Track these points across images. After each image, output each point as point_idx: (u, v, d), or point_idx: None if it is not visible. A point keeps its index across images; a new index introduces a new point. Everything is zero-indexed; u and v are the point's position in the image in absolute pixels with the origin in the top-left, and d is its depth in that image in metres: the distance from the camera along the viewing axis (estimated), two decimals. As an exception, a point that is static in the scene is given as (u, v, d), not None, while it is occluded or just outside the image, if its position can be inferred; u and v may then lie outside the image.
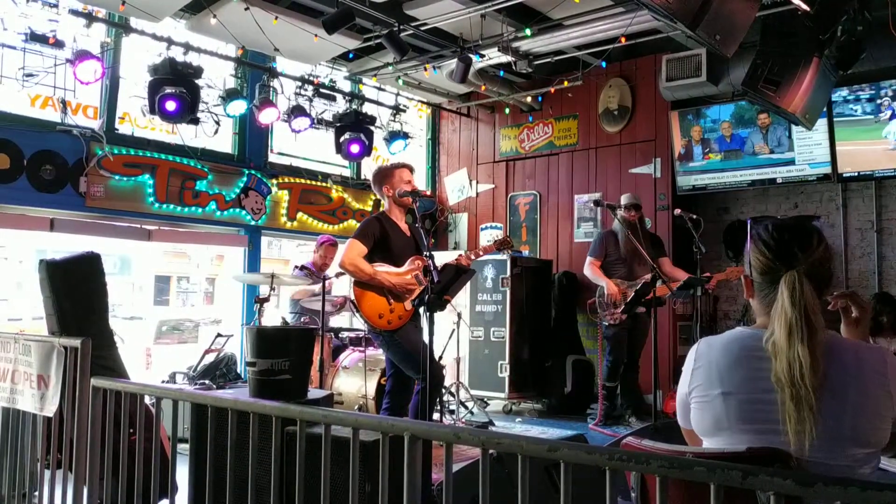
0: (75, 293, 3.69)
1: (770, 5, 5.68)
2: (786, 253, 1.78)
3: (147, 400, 3.09)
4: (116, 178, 6.76)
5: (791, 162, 7.40)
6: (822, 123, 6.84)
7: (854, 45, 5.22)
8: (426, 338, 3.97)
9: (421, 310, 4.23)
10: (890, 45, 5.63)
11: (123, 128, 6.98)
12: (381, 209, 4.86)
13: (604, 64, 7.61)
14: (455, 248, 9.46)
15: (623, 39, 6.81)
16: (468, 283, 7.76)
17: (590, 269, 6.78)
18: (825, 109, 6.58)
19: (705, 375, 1.81)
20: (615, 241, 6.74)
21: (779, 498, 1.40)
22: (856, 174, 7.10)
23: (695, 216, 6.08)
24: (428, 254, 3.99)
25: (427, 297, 3.71)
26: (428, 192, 9.80)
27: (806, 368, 1.64)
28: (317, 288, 6.31)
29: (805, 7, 5.01)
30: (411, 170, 4.87)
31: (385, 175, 4.77)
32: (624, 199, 6.75)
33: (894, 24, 5.11)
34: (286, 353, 3.08)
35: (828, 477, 1.37)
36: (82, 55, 5.92)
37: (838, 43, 5.16)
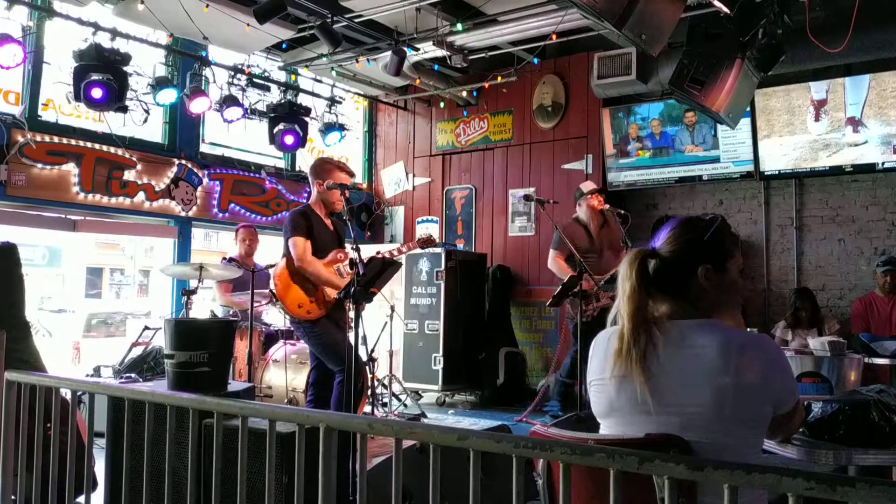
0: (-11, 284, 3.58)
1: (695, 6, 5.84)
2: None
3: (64, 394, 3.02)
4: (39, 166, 6.56)
5: (716, 160, 7.62)
6: (745, 122, 7.08)
7: (774, 47, 5.40)
8: (352, 329, 3.99)
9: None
10: (808, 48, 5.85)
11: (47, 114, 6.76)
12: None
13: (536, 60, 7.69)
14: (391, 242, 9.46)
15: (554, 36, 6.90)
16: (402, 276, 7.86)
17: (554, 264, 6.43)
18: (748, 109, 6.81)
19: (600, 363, 1.89)
20: (583, 230, 6.43)
21: (672, 482, 1.47)
22: (777, 172, 7.35)
23: (623, 211, 6.20)
24: (354, 246, 4.01)
25: (353, 289, 3.73)
26: (363, 185, 9.79)
27: (625, 312, 1.81)
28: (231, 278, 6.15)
29: (725, 9, 5.17)
30: (351, 175, 4.88)
31: (323, 170, 4.78)
32: (586, 187, 6.50)
33: (811, 28, 5.31)
34: (205, 346, 3.06)
35: (716, 462, 1.45)
36: (2, 38, 5.70)
37: (759, 45, 5.33)
